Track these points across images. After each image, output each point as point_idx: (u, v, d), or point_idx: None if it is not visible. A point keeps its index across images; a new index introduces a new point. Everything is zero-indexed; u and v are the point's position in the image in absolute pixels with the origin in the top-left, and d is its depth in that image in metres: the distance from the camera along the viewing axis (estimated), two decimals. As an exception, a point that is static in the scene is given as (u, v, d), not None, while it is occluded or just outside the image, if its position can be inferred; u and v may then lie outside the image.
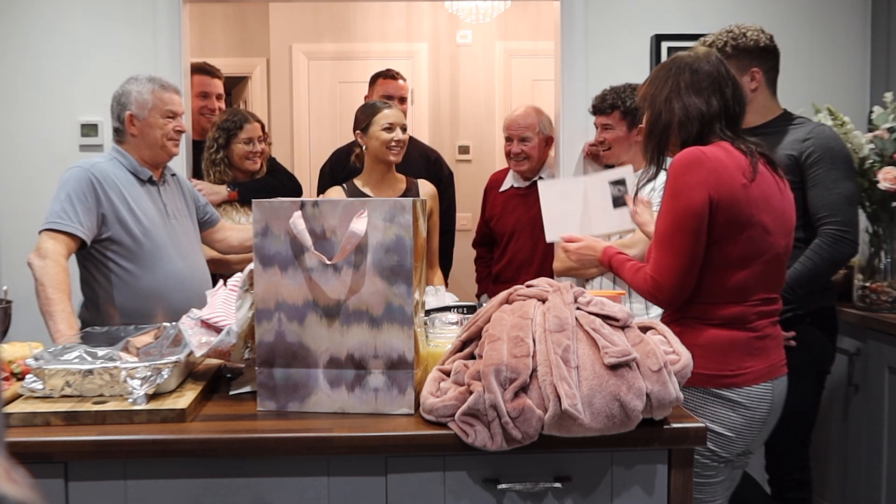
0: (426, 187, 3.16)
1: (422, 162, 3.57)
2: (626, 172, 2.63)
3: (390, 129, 2.98)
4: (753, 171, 1.84)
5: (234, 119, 3.18)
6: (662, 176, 2.56)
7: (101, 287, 2.39)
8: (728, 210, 1.81)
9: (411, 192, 3.10)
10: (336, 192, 3.08)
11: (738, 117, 1.94)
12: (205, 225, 2.68)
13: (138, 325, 2.01)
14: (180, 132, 2.50)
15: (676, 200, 1.83)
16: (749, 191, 1.83)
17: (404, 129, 3.05)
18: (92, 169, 2.39)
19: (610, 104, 2.75)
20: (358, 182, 3.09)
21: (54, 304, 2.17)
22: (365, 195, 3.03)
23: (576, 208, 2.66)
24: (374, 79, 3.72)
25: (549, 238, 2.68)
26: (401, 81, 3.71)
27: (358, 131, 3.04)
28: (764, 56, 2.53)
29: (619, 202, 2.57)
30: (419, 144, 3.77)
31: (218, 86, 3.52)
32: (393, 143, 2.99)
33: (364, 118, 3.03)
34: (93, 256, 2.39)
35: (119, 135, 2.48)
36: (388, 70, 3.75)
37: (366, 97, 3.70)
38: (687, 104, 1.91)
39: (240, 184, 3.16)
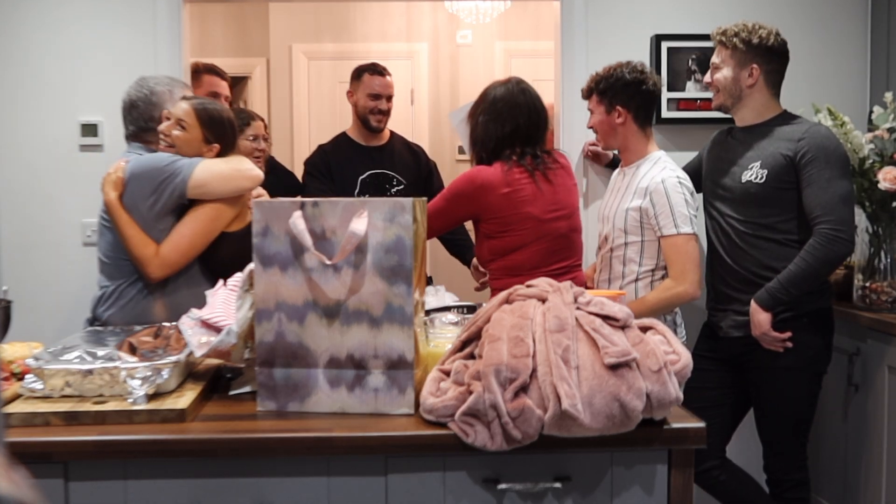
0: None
1: (409, 157, 3.55)
2: None
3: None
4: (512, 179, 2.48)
5: (241, 116, 3.20)
6: (649, 167, 2.56)
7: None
8: (491, 214, 2.49)
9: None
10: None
11: (531, 137, 2.55)
12: None
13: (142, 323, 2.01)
14: None
15: (450, 198, 2.57)
16: (511, 195, 2.46)
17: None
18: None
19: (587, 88, 2.73)
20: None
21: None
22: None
23: None
24: (360, 73, 3.50)
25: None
26: (388, 78, 3.51)
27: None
28: (767, 56, 2.54)
29: None
30: (400, 138, 3.67)
31: (225, 87, 3.52)
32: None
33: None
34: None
35: (147, 132, 2.45)
36: (375, 64, 3.51)
37: (348, 93, 3.53)
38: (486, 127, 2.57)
39: None
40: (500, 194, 2.46)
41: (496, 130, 2.53)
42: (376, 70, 3.49)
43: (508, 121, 2.52)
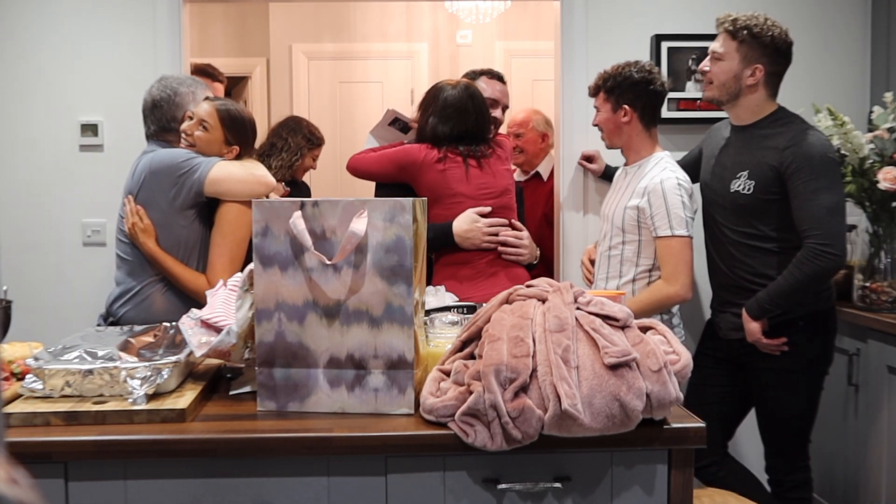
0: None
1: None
2: (387, 115, 2.99)
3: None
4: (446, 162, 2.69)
5: (316, 137, 3.47)
6: (651, 166, 2.58)
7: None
8: (426, 188, 2.68)
9: None
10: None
11: (476, 137, 2.73)
12: None
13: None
14: None
15: (392, 162, 2.74)
16: (445, 173, 2.67)
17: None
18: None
19: (594, 86, 2.72)
20: None
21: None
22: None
23: None
24: (475, 77, 3.14)
25: None
26: (506, 87, 3.16)
27: None
28: (773, 56, 2.47)
29: (406, 130, 2.98)
30: None
31: (219, 89, 3.51)
32: None
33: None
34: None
35: (169, 133, 2.48)
36: (491, 70, 3.20)
37: None
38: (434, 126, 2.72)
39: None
40: (436, 171, 2.70)
41: (445, 132, 2.71)
42: (494, 74, 3.15)
43: (458, 124, 2.71)
